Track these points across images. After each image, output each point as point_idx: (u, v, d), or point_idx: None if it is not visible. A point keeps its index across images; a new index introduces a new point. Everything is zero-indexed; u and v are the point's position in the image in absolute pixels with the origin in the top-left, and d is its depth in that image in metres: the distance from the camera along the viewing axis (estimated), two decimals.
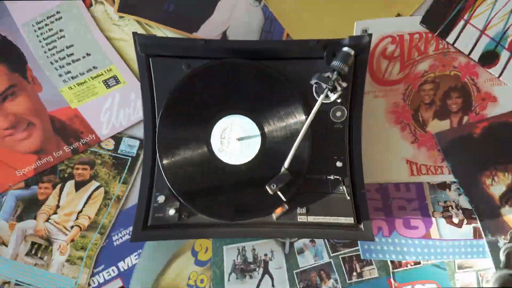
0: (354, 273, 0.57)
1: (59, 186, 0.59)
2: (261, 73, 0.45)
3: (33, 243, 0.58)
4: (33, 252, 0.58)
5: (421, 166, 0.59)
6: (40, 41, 0.59)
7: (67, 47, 0.59)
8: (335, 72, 0.42)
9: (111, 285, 0.57)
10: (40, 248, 0.58)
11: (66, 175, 0.59)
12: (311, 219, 0.45)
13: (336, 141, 0.46)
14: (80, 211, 0.58)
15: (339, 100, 0.44)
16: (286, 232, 0.45)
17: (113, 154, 0.59)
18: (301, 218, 0.45)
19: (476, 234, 0.57)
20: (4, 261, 0.57)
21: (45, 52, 0.59)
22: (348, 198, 0.44)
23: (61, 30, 0.59)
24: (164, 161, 0.43)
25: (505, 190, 0.58)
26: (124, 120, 0.58)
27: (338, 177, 0.45)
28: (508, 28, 0.58)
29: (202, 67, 0.45)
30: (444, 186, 0.59)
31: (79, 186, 0.59)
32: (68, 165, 0.59)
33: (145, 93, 0.46)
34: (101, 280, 0.58)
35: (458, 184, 0.59)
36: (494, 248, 0.56)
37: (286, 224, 0.45)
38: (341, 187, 0.45)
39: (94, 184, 0.59)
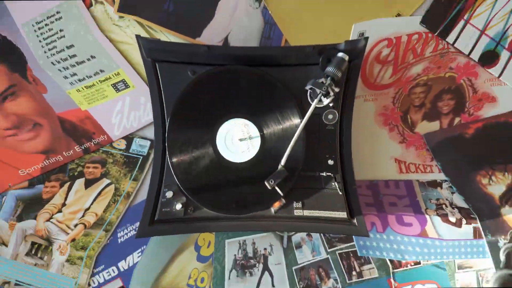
0: (354, 273, 0.72)
1: (67, 184, 0.74)
2: (261, 80, 0.61)
3: (33, 243, 0.72)
4: (33, 252, 0.72)
5: (409, 164, 0.75)
6: (40, 41, 0.74)
7: (67, 47, 0.74)
8: (329, 78, 0.57)
9: (111, 285, 0.72)
10: (40, 248, 0.72)
11: (76, 173, 0.75)
12: (306, 213, 0.62)
13: (328, 142, 0.63)
14: (88, 209, 0.74)
15: (331, 104, 0.61)
16: (284, 225, 0.62)
17: (125, 153, 0.75)
18: (297, 212, 0.62)
19: (476, 234, 0.71)
20: (4, 261, 0.71)
21: (45, 52, 0.74)
22: (340, 193, 0.62)
23: (61, 30, 0.74)
24: (173, 160, 0.60)
25: (505, 190, 0.73)
26: (135, 122, 0.74)
27: (330, 174, 0.62)
28: (508, 28, 0.73)
29: (206, 74, 0.61)
30: (435, 184, 0.75)
31: (89, 183, 0.74)
32: (79, 164, 0.75)
33: (154, 97, 0.62)
34: (101, 280, 0.72)
35: (450, 182, 0.74)
36: (494, 248, 0.70)
37: (283, 217, 0.62)
38: (333, 183, 0.62)
39: (105, 181, 0.74)
